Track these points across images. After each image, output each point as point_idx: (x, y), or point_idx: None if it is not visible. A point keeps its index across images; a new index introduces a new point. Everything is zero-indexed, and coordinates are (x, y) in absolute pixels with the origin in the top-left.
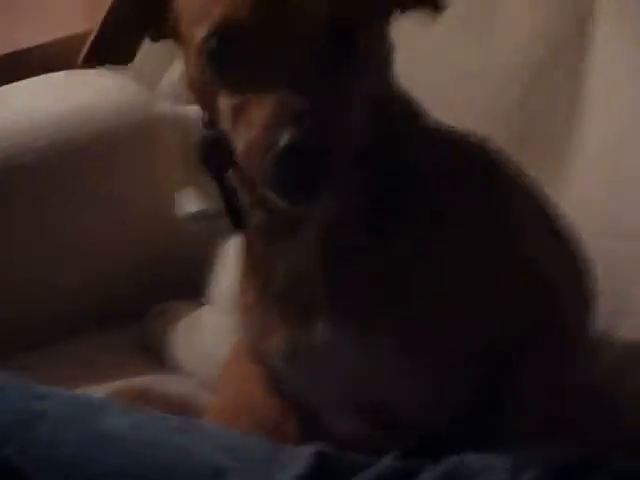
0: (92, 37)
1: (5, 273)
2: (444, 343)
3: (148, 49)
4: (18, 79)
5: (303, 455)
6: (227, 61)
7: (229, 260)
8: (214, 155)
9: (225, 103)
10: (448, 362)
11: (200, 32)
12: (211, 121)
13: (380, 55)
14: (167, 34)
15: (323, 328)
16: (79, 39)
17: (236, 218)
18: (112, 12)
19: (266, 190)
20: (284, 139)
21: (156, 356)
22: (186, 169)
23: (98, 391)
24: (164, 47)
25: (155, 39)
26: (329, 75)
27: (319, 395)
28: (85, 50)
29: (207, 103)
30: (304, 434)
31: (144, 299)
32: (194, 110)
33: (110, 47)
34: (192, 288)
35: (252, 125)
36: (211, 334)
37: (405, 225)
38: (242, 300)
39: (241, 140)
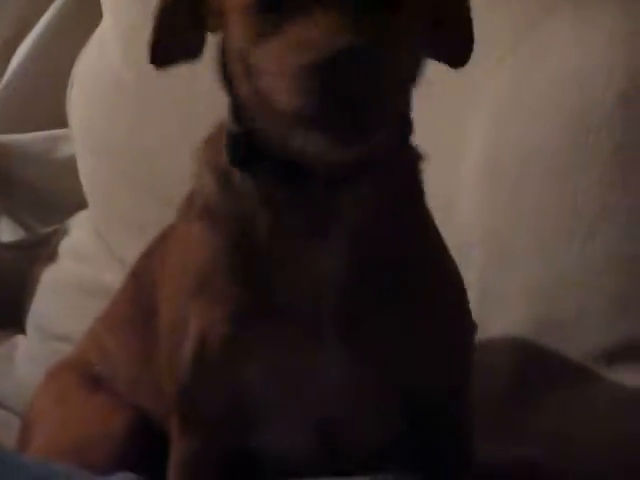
0: (150, 40)
1: None
2: (411, 366)
3: None
4: None
5: None
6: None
7: (44, 290)
8: (243, 152)
9: (275, 40)
10: (395, 395)
11: None
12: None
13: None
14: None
15: (330, 342)
16: None
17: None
18: (161, 14)
19: (305, 124)
20: (340, 42)
21: None
22: (1, 193)
23: None
24: None
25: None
26: (381, 16)
27: (285, 407)
28: (149, 53)
29: (247, 69)
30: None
31: None
32: (15, 139)
33: (174, 45)
34: (8, 316)
35: (302, 43)
36: (25, 364)
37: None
38: (213, 295)
39: (287, 64)
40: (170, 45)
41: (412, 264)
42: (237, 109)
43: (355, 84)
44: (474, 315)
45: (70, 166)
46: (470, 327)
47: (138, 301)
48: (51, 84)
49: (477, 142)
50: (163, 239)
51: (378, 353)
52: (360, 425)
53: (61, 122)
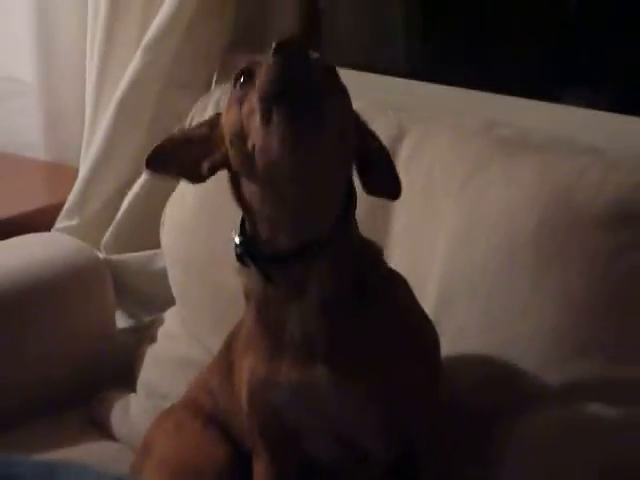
0: (157, 145)
1: None
2: (388, 393)
3: (93, 216)
4: None
5: None
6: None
7: (149, 362)
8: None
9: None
10: (390, 412)
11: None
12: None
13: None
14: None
15: (322, 369)
16: (41, 211)
17: (268, 279)
18: (181, 134)
19: (267, 124)
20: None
21: (102, 430)
22: (118, 294)
23: (57, 455)
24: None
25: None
26: (318, 70)
27: (310, 423)
28: (150, 153)
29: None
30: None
31: (88, 390)
32: (126, 257)
33: (173, 161)
34: (125, 381)
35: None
36: (136, 414)
37: (368, 308)
38: (252, 353)
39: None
40: (169, 159)
41: (381, 316)
42: (243, 224)
43: (295, 70)
44: None
45: (163, 275)
46: (435, 370)
47: (224, 359)
48: (151, 220)
49: (439, 260)
50: (239, 324)
51: (356, 376)
52: (368, 437)
53: (157, 244)
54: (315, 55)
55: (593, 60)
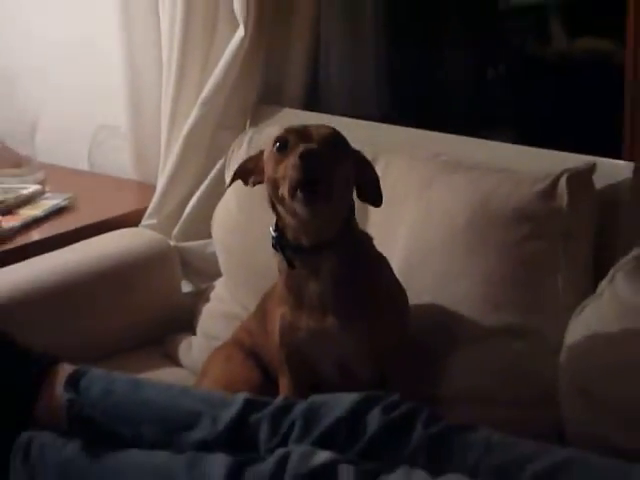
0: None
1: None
2: (373, 335)
3: (166, 217)
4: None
5: (239, 399)
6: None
7: (206, 314)
8: (283, 243)
9: (283, 164)
10: (373, 347)
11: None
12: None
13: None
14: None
15: (331, 319)
16: (132, 214)
17: (291, 265)
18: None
19: (292, 199)
20: (301, 150)
21: (172, 361)
22: (183, 269)
23: (140, 375)
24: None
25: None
26: (327, 157)
27: (322, 357)
28: (233, 175)
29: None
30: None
31: (162, 333)
32: (189, 244)
33: (241, 175)
34: (189, 327)
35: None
36: (196, 350)
37: (361, 278)
38: (283, 305)
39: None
40: (239, 174)
41: (370, 286)
42: (277, 224)
43: (312, 169)
44: None
45: (214, 256)
46: (404, 321)
47: (261, 308)
48: (206, 219)
49: (401, 245)
50: (271, 287)
51: (353, 323)
52: (358, 364)
53: (210, 235)
54: (326, 131)
55: (506, 109)
